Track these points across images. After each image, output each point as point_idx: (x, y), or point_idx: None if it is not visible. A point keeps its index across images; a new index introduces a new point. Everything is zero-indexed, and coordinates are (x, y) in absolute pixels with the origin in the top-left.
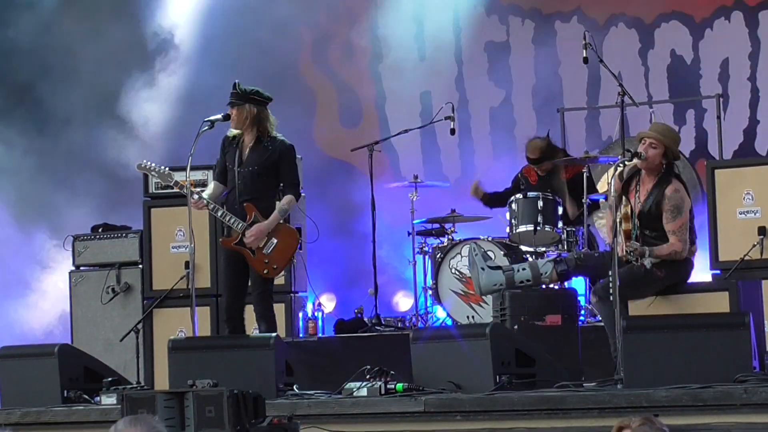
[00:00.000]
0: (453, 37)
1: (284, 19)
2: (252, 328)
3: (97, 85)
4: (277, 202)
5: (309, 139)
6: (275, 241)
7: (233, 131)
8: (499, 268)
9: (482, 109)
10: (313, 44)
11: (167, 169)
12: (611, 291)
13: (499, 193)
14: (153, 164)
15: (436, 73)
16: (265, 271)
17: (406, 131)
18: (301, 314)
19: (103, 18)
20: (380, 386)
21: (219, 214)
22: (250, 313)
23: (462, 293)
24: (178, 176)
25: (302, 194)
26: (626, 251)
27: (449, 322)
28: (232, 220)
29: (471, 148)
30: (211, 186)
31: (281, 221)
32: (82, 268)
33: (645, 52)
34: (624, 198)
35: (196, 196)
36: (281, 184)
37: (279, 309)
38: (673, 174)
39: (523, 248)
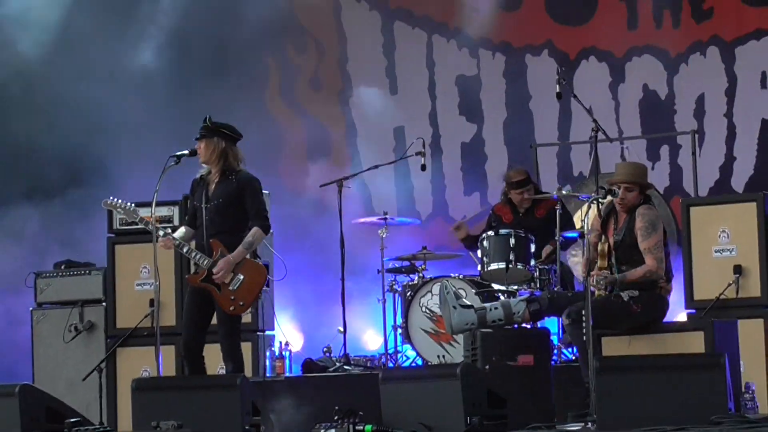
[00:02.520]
0: (426, 71)
1: (250, 52)
2: (218, 367)
3: None
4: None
5: (276, 175)
6: (242, 277)
7: (201, 172)
8: (470, 306)
9: (454, 144)
10: (280, 78)
11: (133, 205)
12: (584, 321)
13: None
14: (119, 201)
15: (410, 108)
16: (231, 308)
17: (375, 167)
18: (268, 353)
19: None
20: (349, 428)
21: (185, 250)
22: (216, 352)
23: (432, 332)
24: (144, 212)
25: (270, 231)
26: (596, 281)
27: (419, 361)
28: (197, 257)
29: (442, 184)
30: (182, 230)
31: (248, 256)
32: (44, 305)
33: (615, 87)
34: (603, 236)
35: (161, 233)
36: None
37: (245, 348)
38: (647, 202)
39: (495, 286)
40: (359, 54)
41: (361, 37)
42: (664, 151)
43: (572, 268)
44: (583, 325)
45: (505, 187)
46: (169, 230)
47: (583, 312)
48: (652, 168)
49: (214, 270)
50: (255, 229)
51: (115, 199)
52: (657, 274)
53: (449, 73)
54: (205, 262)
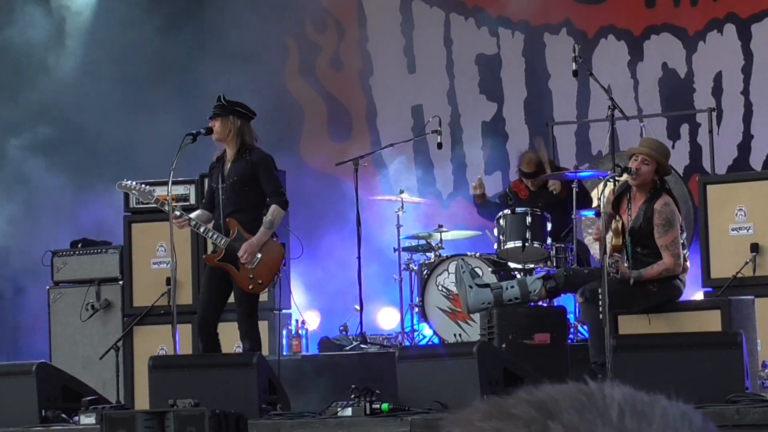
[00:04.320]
0: (444, 50)
1: (269, 31)
2: (235, 345)
3: None
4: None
5: (296, 154)
6: (260, 255)
7: (218, 153)
8: (487, 285)
9: (474, 123)
10: (300, 57)
11: (148, 186)
12: (600, 300)
13: (490, 203)
14: (133, 183)
15: (428, 87)
16: (250, 287)
17: (391, 145)
18: (284, 332)
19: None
20: (365, 406)
21: (201, 230)
22: (233, 330)
23: (449, 311)
24: (160, 191)
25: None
26: (609, 263)
27: (436, 340)
28: (214, 236)
29: (463, 163)
30: (198, 212)
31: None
32: (60, 284)
33: (634, 65)
34: (616, 214)
35: (177, 213)
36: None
37: (262, 326)
38: (664, 189)
39: (512, 265)
40: (379, 33)
41: (380, 16)
42: (684, 129)
43: (590, 247)
44: (599, 303)
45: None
46: (185, 211)
47: (599, 291)
48: (673, 147)
49: (239, 254)
50: (273, 207)
51: (130, 182)
52: (674, 271)
53: (468, 52)
54: (222, 242)
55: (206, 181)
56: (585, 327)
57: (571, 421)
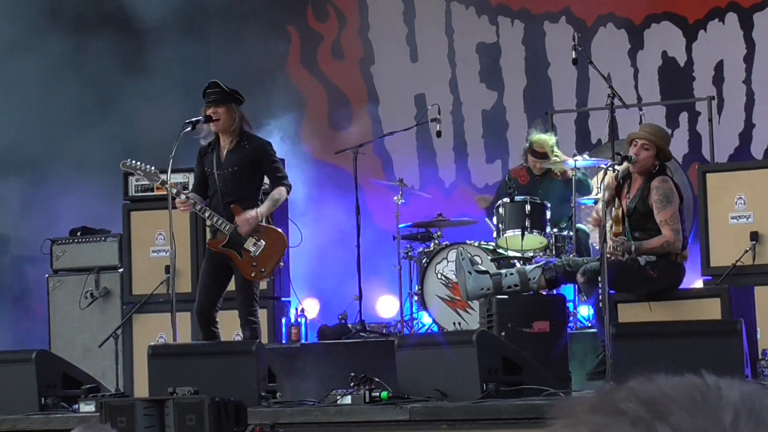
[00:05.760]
0: (446, 39)
1: (271, 20)
2: (234, 333)
3: None
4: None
5: (297, 142)
6: (263, 243)
7: (208, 138)
8: (486, 272)
9: (475, 111)
10: (301, 45)
11: (153, 168)
12: (600, 280)
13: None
14: (139, 163)
15: (430, 76)
16: (252, 274)
17: (390, 134)
18: (284, 320)
19: None
20: (364, 394)
21: (206, 215)
22: (232, 318)
23: (448, 299)
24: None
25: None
26: (613, 247)
27: (435, 328)
28: (219, 222)
29: (465, 152)
30: (191, 194)
31: (271, 223)
32: (60, 272)
33: (634, 54)
34: (617, 201)
35: (183, 197)
36: (265, 184)
37: (262, 315)
38: (663, 171)
39: (511, 253)
40: (380, 22)
41: (381, 4)
42: (683, 118)
43: (589, 233)
44: (599, 284)
45: (527, 145)
46: (190, 194)
47: (599, 272)
48: (672, 135)
49: (238, 222)
50: (280, 187)
51: (135, 162)
52: (674, 245)
53: (469, 41)
54: (227, 228)
55: (196, 163)
56: (585, 316)
57: (680, 424)
